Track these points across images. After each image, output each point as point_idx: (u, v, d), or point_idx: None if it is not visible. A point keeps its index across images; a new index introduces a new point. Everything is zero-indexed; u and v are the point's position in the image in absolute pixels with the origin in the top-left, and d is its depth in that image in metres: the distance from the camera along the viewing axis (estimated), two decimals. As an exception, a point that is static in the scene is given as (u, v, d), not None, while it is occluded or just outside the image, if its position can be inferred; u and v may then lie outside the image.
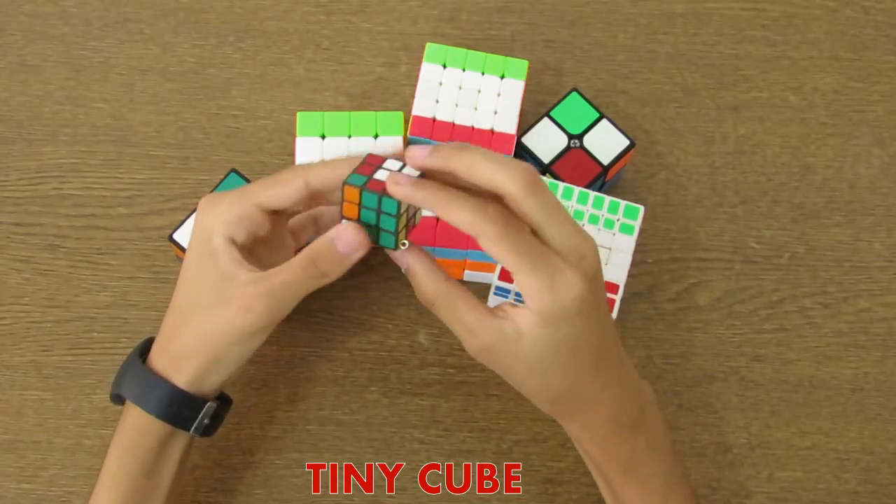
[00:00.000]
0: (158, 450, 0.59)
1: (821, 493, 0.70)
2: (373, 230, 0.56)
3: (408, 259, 0.56)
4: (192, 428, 0.60)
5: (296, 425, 0.70)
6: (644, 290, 0.74)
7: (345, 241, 0.56)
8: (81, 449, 0.69)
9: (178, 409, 0.59)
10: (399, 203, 0.54)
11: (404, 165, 0.55)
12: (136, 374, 0.60)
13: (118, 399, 0.61)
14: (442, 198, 0.52)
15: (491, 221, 0.52)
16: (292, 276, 0.56)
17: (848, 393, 0.72)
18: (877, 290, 0.75)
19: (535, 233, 0.53)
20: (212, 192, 0.70)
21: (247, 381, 0.71)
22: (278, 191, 0.58)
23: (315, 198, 0.59)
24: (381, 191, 0.54)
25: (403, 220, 0.56)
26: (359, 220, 0.56)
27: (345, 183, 0.55)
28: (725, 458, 0.70)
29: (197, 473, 0.68)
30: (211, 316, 0.57)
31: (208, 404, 0.60)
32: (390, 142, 0.70)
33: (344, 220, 0.56)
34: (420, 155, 0.54)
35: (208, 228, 0.58)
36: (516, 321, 0.54)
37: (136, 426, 0.59)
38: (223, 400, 0.63)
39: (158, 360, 0.60)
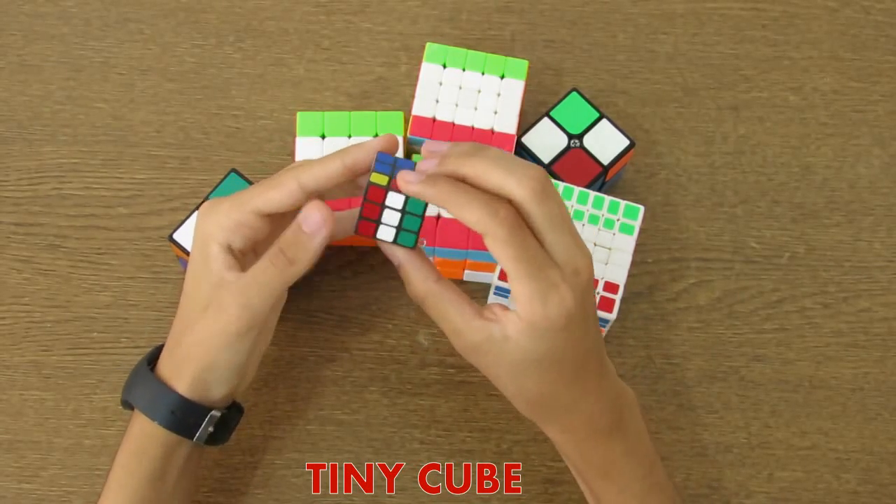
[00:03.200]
0: (164, 457, 0.59)
1: (821, 493, 0.70)
2: (392, 229, 0.56)
3: (399, 256, 0.56)
4: (196, 437, 0.59)
5: (296, 425, 0.70)
6: (644, 290, 0.74)
7: (309, 220, 0.56)
8: (81, 449, 0.69)
9: (182, 416, 0.58)
10: (426, 204, 0.55)
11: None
12: (143, 380, 0.60)
13: (128, 405, 0.61)
14: (453, 195, 0.53)
15: (500, 223, 0.52)
16: (261, 270, 0.56)
17: (848, 393, 0.72)
18: (877, 290, 0.75)
19: (537, 238, 0.54)
20: (211, 192, 0.70)
21: (247, 381, 0.71)
22: (274, 194, 0.57)
23: (311, 197, 0.59)
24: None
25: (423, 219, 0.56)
26: (379, 220, 0.56)
27: (369, 183, 0.55)
28: (725, 458, 0.70)
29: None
30: (202, 321, 0.57)
31: (211, 413, 0.59)
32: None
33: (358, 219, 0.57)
34: (430, 167, 0.54)
35: (206, 234, 0.58)
36: (504, 325, 0.54)
37: (143, 433, 0.59)
38: (235, 409, 0.63)
39: (164, 367, 0.60)
